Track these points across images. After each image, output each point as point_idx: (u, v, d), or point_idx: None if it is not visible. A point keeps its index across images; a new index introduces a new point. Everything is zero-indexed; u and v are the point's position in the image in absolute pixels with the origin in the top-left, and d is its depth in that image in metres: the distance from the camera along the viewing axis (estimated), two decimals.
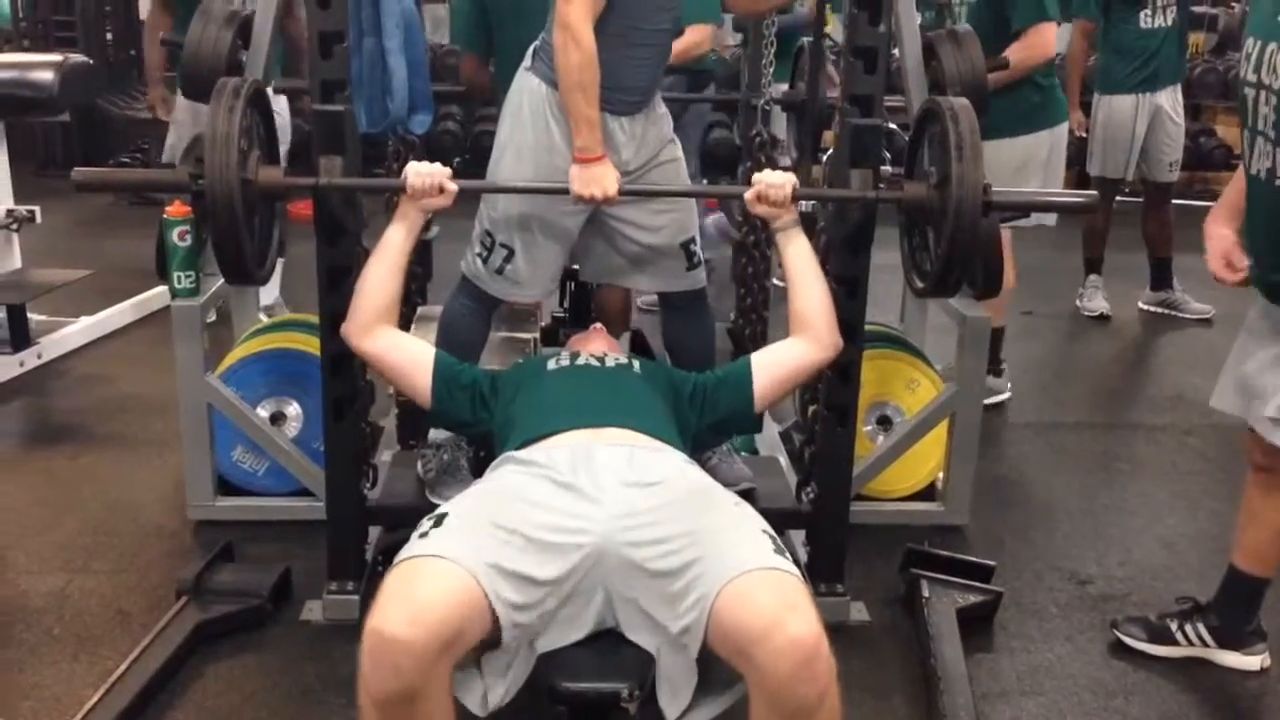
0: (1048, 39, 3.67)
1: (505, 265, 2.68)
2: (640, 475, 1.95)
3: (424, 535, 1.83)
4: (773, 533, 1.89)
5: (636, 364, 2.40)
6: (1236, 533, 2.59)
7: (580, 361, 2.36)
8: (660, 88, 2.73)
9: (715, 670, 1.82)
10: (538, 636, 1.84)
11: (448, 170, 2.36)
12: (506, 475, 2.03)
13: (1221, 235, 2.41)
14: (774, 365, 2.38)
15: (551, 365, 2.37)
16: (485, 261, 2.69)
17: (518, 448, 2.10)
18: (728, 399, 2.35)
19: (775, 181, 2.38)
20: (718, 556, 1.79)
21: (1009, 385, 4.19)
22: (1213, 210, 2.47)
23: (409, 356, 2.35)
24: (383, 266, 2.35)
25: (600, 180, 2.45)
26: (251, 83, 2.27)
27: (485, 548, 1.79)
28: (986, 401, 3.68)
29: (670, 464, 2.04)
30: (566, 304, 3.96)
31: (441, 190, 2.34)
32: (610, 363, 2.37)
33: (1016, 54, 3.57)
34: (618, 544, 1.83)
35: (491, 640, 1.80)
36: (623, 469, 1.96)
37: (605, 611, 1.86)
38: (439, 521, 1.86)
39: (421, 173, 2.34)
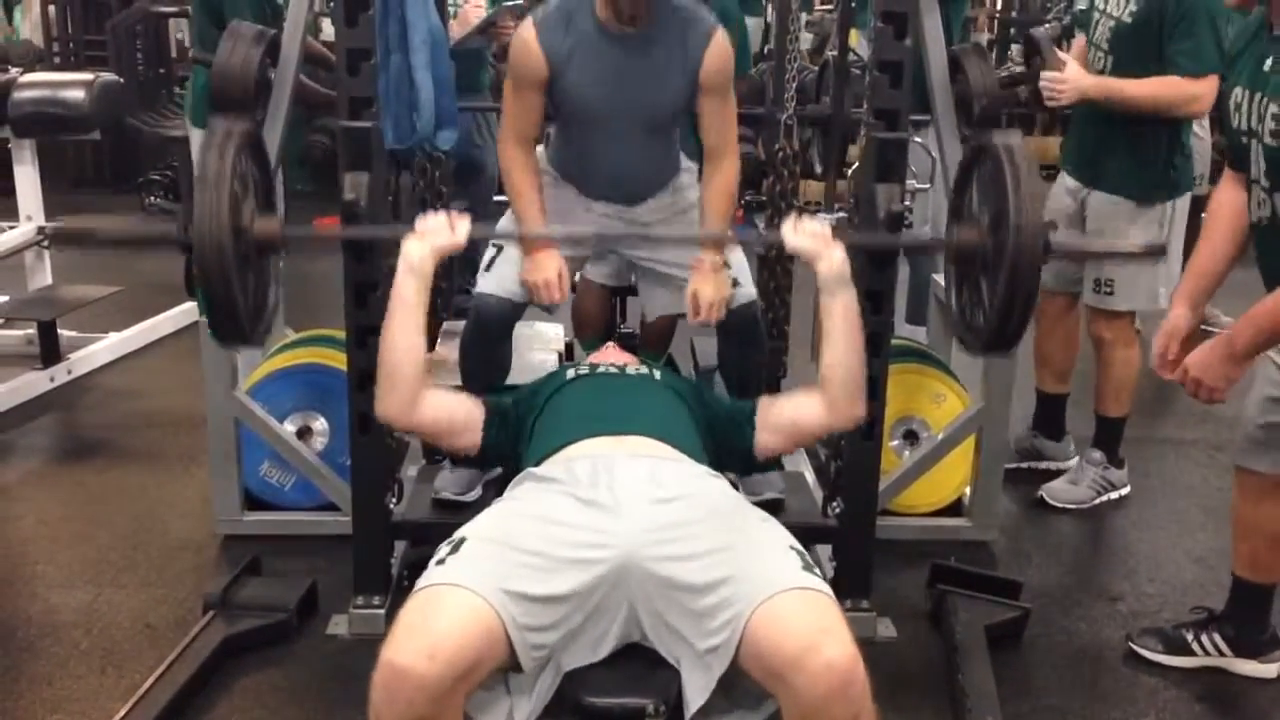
0: (1207, 91, 3.05)
1: (493, 262, 2.75)
2: (664, 491, 1.93)
3: (441, 562, 1.81)
4: (801, 548, 1.88)
5: (658, 373, 2.39)
6: (1232, 543, 2.62)
7: (600, 370, 2.36)
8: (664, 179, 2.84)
9: (746, 687, 1.81)
10: (562, 654, 1.82)
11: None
12: (526, 493, 2.02)
13: (1176, 316, 2.37)
14: (781, 421, 2.24)
15: (570, 374, 2.36)
16: (485, 267, 2.78)
17: (536, 463, 2.09)
18: (730, 434, 2.27)
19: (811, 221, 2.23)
20: (748, 576, 1.77)
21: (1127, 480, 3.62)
22: (1180, 282, 2.44)
23: (459, 419, 2.22)
24: (404, 331, 2.11)
25: (541, 268, 2.63)
26: (246, 125, 2.08)
27: (503, 573, 1.77)
28: (1103, 499, 3.51)
29: (694, 477, 2.03)
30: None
31: (452, 228, 2.14)
32: (631, 372, 2.37)
33: (1165, 89, 3.07)
34: (643, 558, 1.81)
35: (512, 665, 1.78)
36: (645, 485, 1.94)
37: (630, 626, 1.84)
38: (456, 547, 1.84)
39: (429, 217, 2.19)
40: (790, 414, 2.23)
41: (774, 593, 1.72)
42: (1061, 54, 3.18)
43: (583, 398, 2.27)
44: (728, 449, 2.26)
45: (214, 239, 1.88)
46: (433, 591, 1.75)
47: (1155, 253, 2.23)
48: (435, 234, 2.12)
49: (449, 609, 1.71)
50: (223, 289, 1.93)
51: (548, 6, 2.68)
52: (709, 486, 2.03)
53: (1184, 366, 2.26)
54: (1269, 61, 2.20)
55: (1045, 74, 3.08)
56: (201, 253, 1.90)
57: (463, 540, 1.86)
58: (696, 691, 1.78)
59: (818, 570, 1.82)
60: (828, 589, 1.78)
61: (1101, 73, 3.22)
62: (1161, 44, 3.08)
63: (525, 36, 2.62)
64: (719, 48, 2.64)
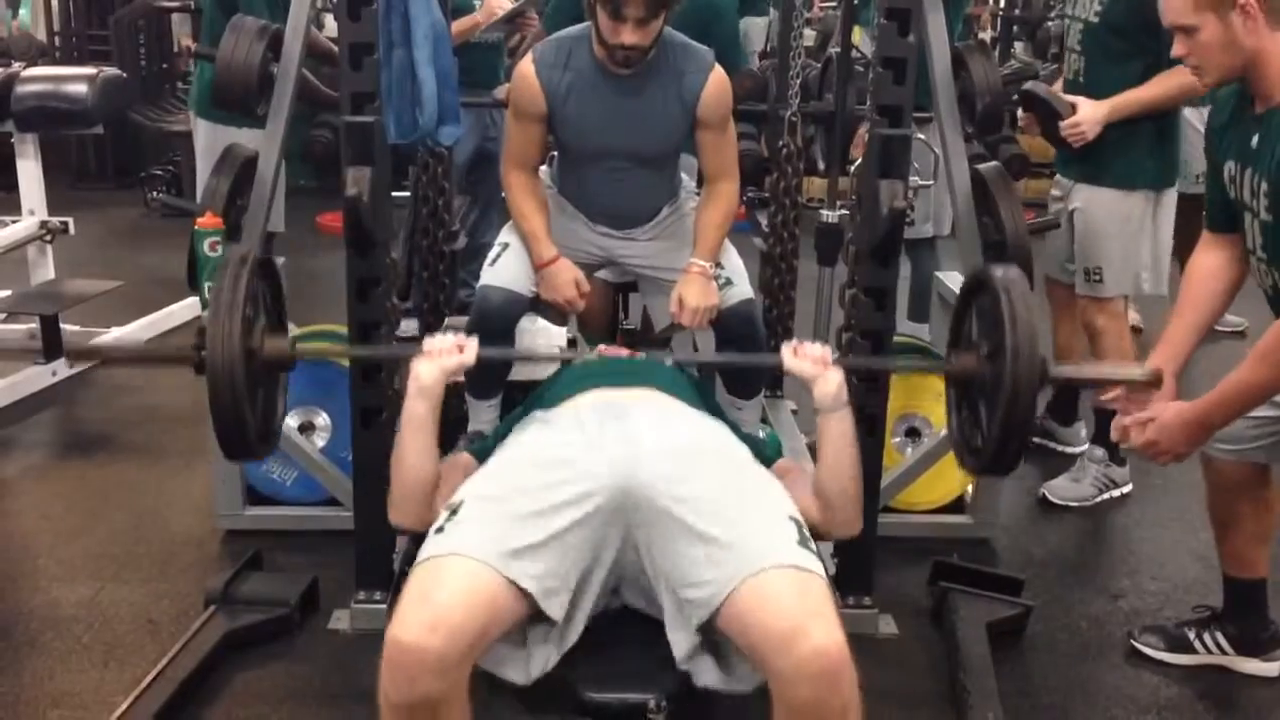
0: None
1: (499, 257, 2.80)
2: (671, 428, 1.98)
3: (440, 530, 1.84)
4: (800, 519, 1.89)
5: (669, 360, 2.42)
6: (1215, 543, 2.63)
7: (610, 355, 2.39)
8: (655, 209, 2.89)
9: (739, 660, 1.83)
10: (581, 597, 1.85)
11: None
12: (528, 434, 2.06)
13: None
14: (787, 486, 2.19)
15: (579, 360, 2.40)
16: (491, 261, 2.82)
17: (544, 410, 2.12)
18: None
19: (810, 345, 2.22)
20: (741, 541, 1.78)
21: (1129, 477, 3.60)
22: (1157, 349, 2.40)
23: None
24: (415, 452, 2.10)
25: (557, 286, 2.72)
26: (258, 253, 2.09)
27: (502, 533, 1.79)
28: (1105, 497, 3.52)
29: (703, 420, 2.08)
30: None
31: (460, 349, 2.12)
32: (641, 358, 2.41)
33: (1170, 82, 3.10)
34: (643, 484, 1.84)
35: (534, 616, 1.81)
36: (653, 423, 1.99)
37: (632, 563, 1.88)
38: (454, 511, 1.87)
39: (436, 338, 2.16)
40: (796, 500, 2.16)
41: (765, 567, 1.74)
42: (1066, 96, 3.24)
43: (592, 366, 2.30)
44: None
45: (226, 364, 1.91)
46: (433, 564, 1.77)
47: (1155, 382, 2.22)
48: (444, 355, 2.11)
49: (449, 580, 1.73)
50: (232, 410, 1.95)
51: (548, 41, 2.69)
52: (718, 433, 2.07)
53: (1147, 438, 2.25)
54: (1255, 139, 2.19)
55: (1062, 124, 3.18)
56: (214, 376, 1.93)
57: (460, 504, 1.88)
58: (678, 641, 1.82)
59: (813, 545, 1.83)
60: (820, 568, 1.79)
61: (1076, 74, 3.31)
62: (1138, 36, 3.12)
63: (524, 70, 2.66)
64: (716, 84, 2.66)
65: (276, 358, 2.08)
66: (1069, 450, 3.76)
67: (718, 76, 2.66)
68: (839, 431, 2.11)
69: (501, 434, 2.22)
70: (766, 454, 2.22)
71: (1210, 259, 2.42)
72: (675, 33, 2.66)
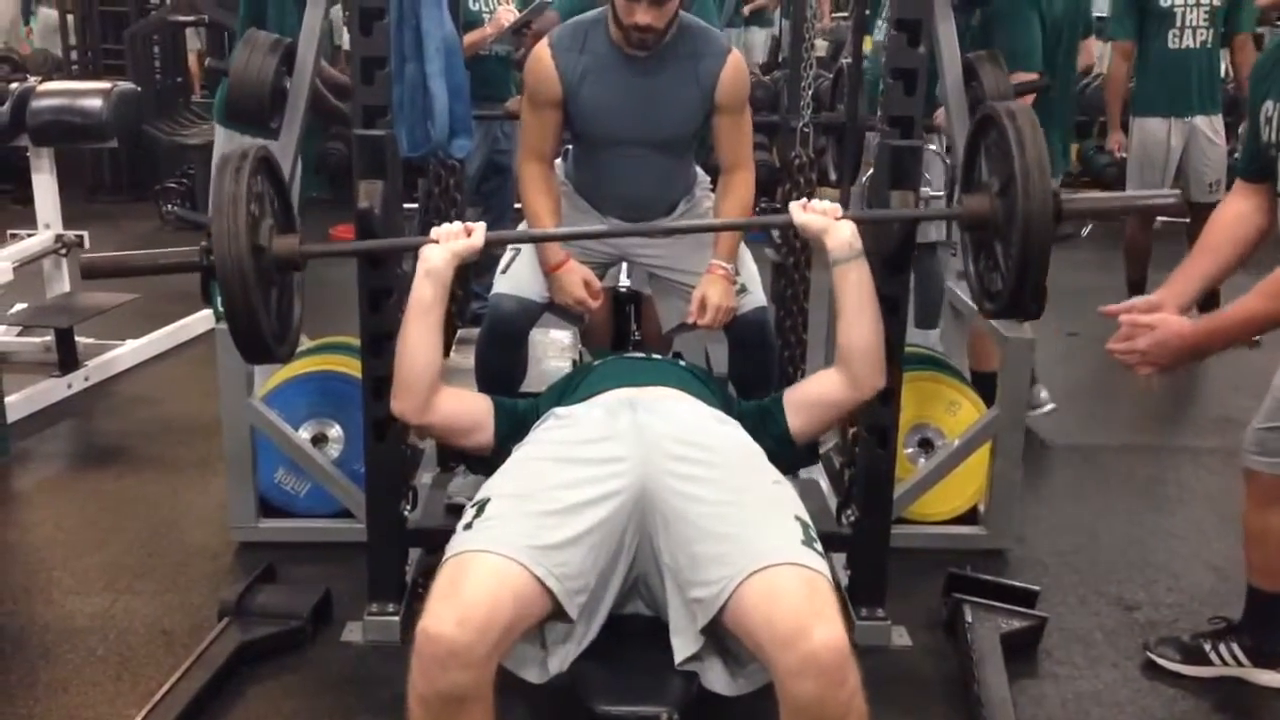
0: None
1: (510, 264, 2.78)
2: (682, 422, 2.02)
3: (468, 526, 1.86)
4: (806, 519, 1.90)
5: (682, 362, 2.44)
6: (1244, 552, 2.60)
7: (626, 356, 2.42)
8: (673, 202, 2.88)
9: (748, 657, 1.85)
10: (600, 595, 1.87)
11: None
12: (548, 432, 2.08)
13: (1156, 314, 2.28)
14: (806, 399, 2.27)
15: (597, 362, 2.43)
16: (503, 269, 2.81)
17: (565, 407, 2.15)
18: (763, 423, 2.27)
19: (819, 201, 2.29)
20: (748, 538, 1.80)
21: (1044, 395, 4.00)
22: (1168, 281, 2.40)
23: (470, 416, 2.24)
24: (421, 331, 2.13)
25: (567, 288, 2.66)
26: (260, 148, 2.12)
27: (529, 530, 1.82)
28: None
29: (715, 420, 2.10)
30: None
31: (469, 233, 2.18)
32: (656, 357, 2.47)
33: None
34: (659, 475, 1.88)
35: (555, 615, 1.84)
36: (666, 415, 2.02)
37: (647, 563, 1.91)
38: (481, 509, 1.89)
39: (445, 225, 2.22)
40: (814, 391, 2.28)
41: (770, 564, 1.76)
42: None
43: (608, 368, 2.33)
44: (765, 439, 2.24)
45: (234, 260, 1.93)
46: (462, 559, 1.79)
47: (1169, 199, 2.22)
48: (453, 240, 2.15)
49: (477, 576, 1.75)
50: (245, 309, 1.97)
51: (564, 25, 2.69)
52: (731, 432, 2.09)
53: (1140, 348, 2.24)
54: None
55: None
56: (223, 275, 1.94)
57: (486, 501, 1.91)
58: (680, 645, 1.85)
59: (819, 545, 1.85)
60: (825, 567, 1.80)
61: None
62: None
63: (540, 55, 2.65)
64: (734, 68, 2.66)
65: (286, 256, 2.10)
66: (1032, 413, 3.80)
67: (735, 60, 2.67)
68: (856, 280, 2.17)
69: (522, 416, 2.24)
70: (781, 421, 2.24)
71: (1236, 205, 2.41)
72: (691, 17, 2.66)
